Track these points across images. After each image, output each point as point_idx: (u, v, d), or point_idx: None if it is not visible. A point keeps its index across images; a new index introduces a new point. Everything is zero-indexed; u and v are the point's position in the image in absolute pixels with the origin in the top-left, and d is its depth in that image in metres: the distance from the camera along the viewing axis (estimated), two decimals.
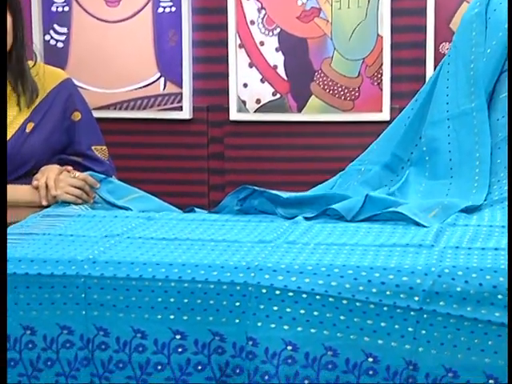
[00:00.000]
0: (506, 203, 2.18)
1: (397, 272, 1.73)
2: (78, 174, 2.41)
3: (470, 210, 2.19)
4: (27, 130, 2.51)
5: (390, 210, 2.13)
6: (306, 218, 2.14)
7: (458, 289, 1.69)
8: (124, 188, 2.47)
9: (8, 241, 1.91)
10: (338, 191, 2.37)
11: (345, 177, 2.48)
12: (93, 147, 2.60)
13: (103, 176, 2.45)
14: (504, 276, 1.69)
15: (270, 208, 2.22)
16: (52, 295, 1.80)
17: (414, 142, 2.44)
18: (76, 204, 2.33)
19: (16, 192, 2.41)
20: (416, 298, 1.70)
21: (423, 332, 1.70)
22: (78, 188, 2.36)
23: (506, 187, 2.22)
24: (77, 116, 2.60)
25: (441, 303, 1.69)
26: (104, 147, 2.63)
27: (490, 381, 1.69)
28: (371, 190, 2.34)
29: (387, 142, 2.47)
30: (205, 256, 1.83)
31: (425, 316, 1.70)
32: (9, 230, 2.01)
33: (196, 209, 2.35)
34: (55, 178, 2.37)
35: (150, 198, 2.44)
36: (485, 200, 2.25)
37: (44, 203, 2.35)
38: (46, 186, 2.36)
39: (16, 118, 2.50)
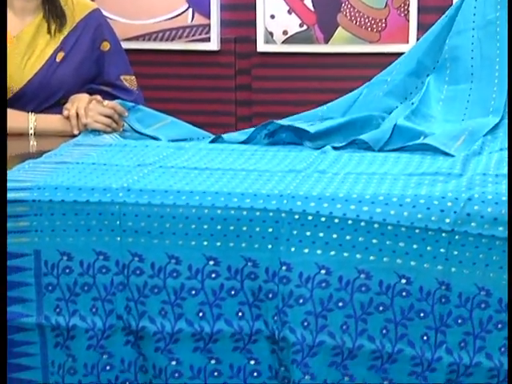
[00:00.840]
0: None
1: (428, 198, 1.74)
2: (107, 102, 2.42)
3: (493, 129, 2.20)
4: (57, 60, 2.52)
5: (418, 142, 2.14)
6: (335, 148, 2.15)
7: (489, 209, 1.71)
8: (153, 115, 2.48)
9: (43, 169, 1.95)
10: (363, 106, 2.38)
11: (370, 87, 2.47)
12: (122, 77, 2.62)
13: (132, 104, 2.47)
14: None
15: (297, 140, 2.24)
16: (88, 222, 1.82)
17: (440, 51, 2.42)
18: (106, 132, 2.35)
19: (47, 122, 2.43)
20: (447, 220, 1.71)
21: (455, 253, 1.72)
22: (108, 116, 2.38)
23: None
24: (106, 46, 2.61)
25: (472, 224, 1.71)
26: (133, 77, 2.65)
27: None
28: (396, 101, 2.37)
29: (414, 53, 2.46)
30: (237, 185, 1.85)
31: (456, 237, 1.72)
32: (43, 158, 2.05)
33: (224, 136, 2.36)
34: (85, 107, 2.39)
35: (179, 123, 2.46)
36: (505, 108, 2.26)
37: (75, 132, 2.37)
38: (77, 115, 2.38)
39: (46, 47, 2.52)
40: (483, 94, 2.31)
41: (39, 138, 2.40)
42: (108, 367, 1.87)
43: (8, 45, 2.46)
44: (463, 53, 2.37)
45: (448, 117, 2.30)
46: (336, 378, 1.79)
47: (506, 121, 2.22)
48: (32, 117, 2.42)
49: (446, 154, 2.06)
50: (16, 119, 2.39)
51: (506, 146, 2.06)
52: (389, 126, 2.19)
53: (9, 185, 1.86)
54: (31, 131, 2.43)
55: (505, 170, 1.88)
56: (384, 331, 1.77)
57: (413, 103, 2.34)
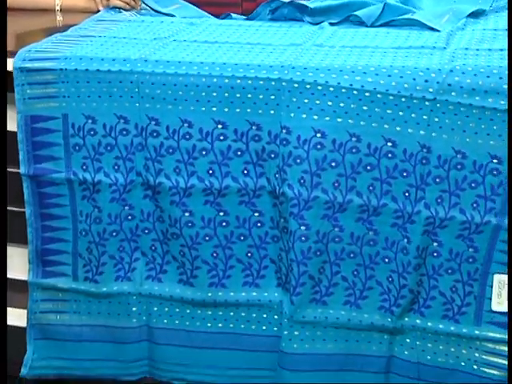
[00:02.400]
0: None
1: (414, 69, 1.72)
2: None
3: (477, 15, 2.15)
4: None
5: (406, 16, 2.10)
6: (331, 24, 2.12)
7: (468, 81, 1.69)
8: None
9: (69, 42, 1.92)
10: None
11: None
12: None
13: None
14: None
15: (298, 16, 2.19)
16: (109, 89, 1.81)
17: None
18: (125, 10, 2.31)
19: None
20: (430, 90, 1.70)
21: (436, 119, 1.72)
22: None
23: None
24: None
25: (452, 94, 1.70)
26: None
27: (494, 160, 1.71)
28: None
29: None
30: (243, 57, 1.82)
31: (438, 105, 1.71)
32: (69, 32, 2.01)
33: (232, 14, 2.33)
34: None
35: (191, 7, 2.41)
36: (491, 6, 2.21)
37: (100, 8, 2.33)
38: None
39: None
40: None
41: (65, 14, 2.36)
42: (129, 217, 1.89)
43: None
44: None
45: (436, 9, 2.25)
46: (327, 229, 1.81)
47: (490, 15, 2.15)
48: None
49: (432, 29, 2.03)
50: None
51: (489, 27, 2.02)
52: (381, 5, 2.16)
53: (39, 55, 1.84)
54: (57, 7, 2.39)
55: (485, 46, 1.85)
56: (371, 188, 1.78)
57: None
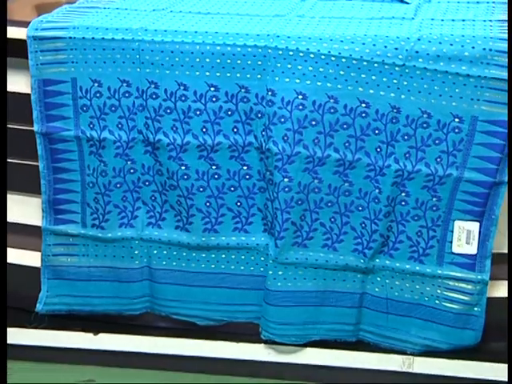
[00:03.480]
0: None
1: (385, 37, 1.73)
2: None
3: None
4: None
5: None
6: None
7: (433, 49, 1.71)
8: None
9: (77, 12, 1.92)
10: None
11: None
12: None
13: None
14: (470, 39, 1.70)
15: None
16: (113, 56, 1.81)
17: None
18: None
19: None
20: (400, 57, 1.72)
21: (405, 83, 1.73)
22: None
23: None
24: None
25: (419, 60, 1.71)
26: None
27: (456, 119, 1.73)
28: None
29: None
30: (233, 26, 1.82)
31: (406, 70, 1.72)
32: (77, 3, 2.01)
33: None
34: None
35: None
36: None
37: None
38: None
39: None
40: None
41: None
42: (132, 170, 1.90)
43: None
44: None
45: None
46: (308, 181, 1.82)
47: None
48: None
49: (402, 2, 2.02)
50: None
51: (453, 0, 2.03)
52: None
53: (50, 25, 1.84)
54: None
55: (449, 17, 1.85)
56: (346, 144, 1.79)
57: None
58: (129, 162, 1.90)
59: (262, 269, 1.93)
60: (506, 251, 1.88)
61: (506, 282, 1.89)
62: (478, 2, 1.99)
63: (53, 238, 1.97)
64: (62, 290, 2.00)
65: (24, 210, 2.03)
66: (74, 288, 2.00)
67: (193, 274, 1.96)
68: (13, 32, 1.85)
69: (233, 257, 1.93)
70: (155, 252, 1.95)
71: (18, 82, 1.92)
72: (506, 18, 1.81)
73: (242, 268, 1.94)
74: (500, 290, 1.90)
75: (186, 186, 1.87)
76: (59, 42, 1.83)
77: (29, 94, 1.87)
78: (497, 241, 1.83)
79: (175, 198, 1.89)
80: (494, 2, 1.99)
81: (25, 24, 1.85)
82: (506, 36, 1.70)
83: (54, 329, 2.03)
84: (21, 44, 1.85)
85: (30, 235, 2.01)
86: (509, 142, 1.73)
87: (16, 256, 2.00)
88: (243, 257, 1.93)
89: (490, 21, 1.81)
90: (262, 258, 1.92)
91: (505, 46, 1.69)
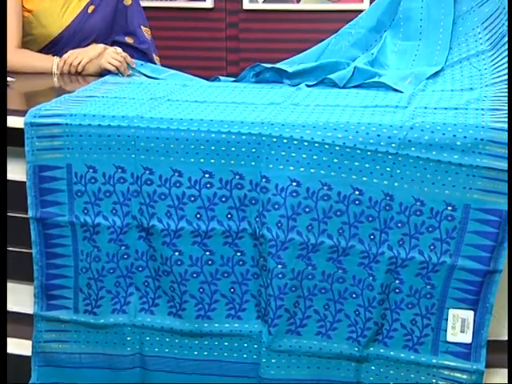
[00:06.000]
0: (464, 63, 2.16)
1: (378, 126, 1.74)
2: (120, 50, 2.36)
3: (435, 75, 2.16)
4: (89, 11, 2.48)
5: (374, 79, 2.12)
6: (308, 85, 2.14)
7: (426, 137, 1.71)
8: (159, 69, 2.42)
9: (75, 101, 1.94)
10: (332, 53, 2.33)
11: (337, 38, 2.41)
12: (141, 26, 2.59)
13: (141, 62, 2.40)
14: (462, 128, 1.70)
15: (278, 79, 2.21)
16: (109, 142, 1.81)
17: (396, 12, 2.36)
18: (117, 74, 2.30)
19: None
20: (393, 145, 1.72)
21: (398, 171, 1.72)
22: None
23: (464, 49, 2.20)
24: (128, 1, 2.57)
25: (412, 149, 1.71)
26: (148, 29, 2.61)
27: (449, 207, 1.72)
28: (359, 51, 2.32)
29: (374, 11, 2.40)
30: (228, 114, 1.83)
31: (399, 159, 1.72)
32: (76, 92, 2.03)
33: (220, 77, 2.33)
34: (101, 51, 2.36)
35: (182, 74, 2.41)
36: (446, 62, 2.22)
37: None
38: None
39: (78, 3, 2.48)
40: (429, 50, 2.26)
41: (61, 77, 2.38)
42: (125, 256, 1.88)
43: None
44: (414, 14, 2.31)
45: (399, 66, 2.25)
46: (302, 267, 1.80)
47: (446, 71, 2.18)
48: (56, 59, 2.40)
49: (396, 91, 2.04)
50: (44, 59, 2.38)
51: (447, 88, 2.04)
52: (351, 68, 2.17)
53: (47, 112, 1.85)
54: (55, 71, 2.39)
55: (442, 105, 1.86)
56: (340, 231, 1.78)
57: (372, 54, 2.30)
58: (122, 248, 1.88)
59: (255, 356, 1.88)
60: (502, 338, 1.84)
61: (501, 370, 1.84)
62: (471, 89, 2.00)
63: (44, 324, 1.93)
64: (52, 378, 1.95)
65: (14, 297, 1.99)
66: (65, 375, 1.95)
67: (185, 361, 1.91)
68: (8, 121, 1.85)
69: (226, 344, 1.89)
70: (147, 338, 1.91)
71: (11, 171, 1.91)
72: (498, 107, 1.81)
73: (235, 355, 1.90)
74: (496, 378, 1.85)
75: (179, 272, 1.85)
76: (56, 129, 1.83)
77: (23, 182, 1.86)
78: (493, 328, 1.79)
79: (168, 283, 1.86)
80: (486, 86, 2.00)
81: (19, 113, 1.85)
82: (497, 125, 1.70)
83: None
84: (14, 132, 1.84)
85: (19, 323, 1.97)
86: (509, 144, 1.69)
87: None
88: (236, 344, 1.89)
89: (482, 109, 1.81)
90: (256, 346, 1.88)
91: (496, 135, 1.69)
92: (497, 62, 2.08)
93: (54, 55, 2.42)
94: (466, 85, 2.04)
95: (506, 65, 2.02)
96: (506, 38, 2.06)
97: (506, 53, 2.05)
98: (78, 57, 2.35)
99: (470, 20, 2.23)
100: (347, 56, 2.30)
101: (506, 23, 2.08)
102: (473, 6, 2.23)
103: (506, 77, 1.98)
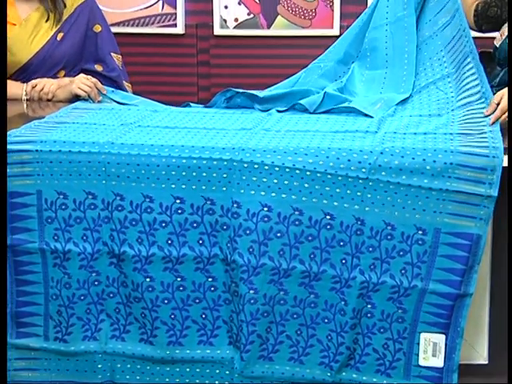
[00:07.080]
0: (431, 87, 2.17)
1: (349, 151, 1.74)
2: (90, 77, 2.34)
3: (404, 101, 2.17)
4: (58, 39, 2.47)
5: (344, 105, 2.12)
6: (278, 111, 2.13)
7: (396, 162, 1.71)
8: (130, 96, 2.40)
9: (45, 127, 1.92)
10: (302, 86, 2.33)
11: (307, 72, 2.40)
12: (111, 53, 2.57)
13: (112, 89, 2.37)
14: (431, 153, 1.70)
15: (249, 104, 2.20)
16: (79, 168, 1.80)
17: (362, 43, 2.36)
18: (87, 100, 2.29)
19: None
20: (363, 170, 1.72)
21: (369, 196, 1.72)
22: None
23: (430, 73, 2.21)
24: (98, 28, 2.55)
25: (382, 173, 1.71)
26: (119, 56, 2.59)
27: (419, 231, 1.72)
28: (328, 82, 2.32)
29: (341, 45, 2.40)
30: (199, 140, 1.82)
31: (370, 183, 1.72)
32: (46, 118, 2.01)
33: (191, 103, 2.32)
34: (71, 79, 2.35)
35: (150, 101, 2.40)
36: (414, 88, 2.22)
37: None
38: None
39: (49, 29, 2.46)
40: (395, 77, 2.26)
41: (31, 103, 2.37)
42: (96, 282, 1.86)
43: (18, 26, 2.42)
44: (379, 44, 2.31)
45: (367, 94, 2.27)
46: (273, 292, 1.79)
47: (414, 97, 2.19)
48: (25, 86, 2.39)
49: (367, 116, 2.04)
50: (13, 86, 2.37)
51: (415, 113, 2.05)
52: (321, 93, 2.17)
53: (17, 138, 1.83)
54: (24, 97, 2.38)
55: (411, 130, 1.86)
56: (312, 256, 1.77)
57: (342, 82, 2.31)
58: (93, 274, 1.85)
59: (227, 383, 1.86)
60: (474, 362, 1.83)
61: None
62: (439, 115, 2.00)
63: (14, 352, 1.90)
64: None
65: None
66: None
67: None
68: None
69: (197, 370, 1.87)
70: (119, 366, 1.88)
71: None
72: (466, 132, 1.81)
73: (207, 382, 1.88)
74: None
75: (150, 298, 1.82)
76: (26, 155, 1.81)
77: None
78: (464, 352, 1.78)
79: (140, 310, 1.84)
80: (453, 110, 2.01)
81: None
82: (466, 149, 1.71)
83: None
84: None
85: None
86: (509, 143, 1.69)
87: None
88: (208, 370, 1.87)
89: (451, 134, 1.81)
90: (228, 372, 1.86)
91: (466, 159, 1.69)
92: (461, 85, 2.09)
93: (23, 82, 2.40)
94: (433, 110, 2.05)
95: (470, 85, 2.04)
96: (468, 59, 2.08)
97: (470, 72, 2.06)
98: (46, 84, 2.33)
99: (433, 44, 2.24)
100: (317, 86, 2.30)
101: (468, 44, 2.10)
102: (435, 30, 2.25)
103: (470, 99, 1.99)
